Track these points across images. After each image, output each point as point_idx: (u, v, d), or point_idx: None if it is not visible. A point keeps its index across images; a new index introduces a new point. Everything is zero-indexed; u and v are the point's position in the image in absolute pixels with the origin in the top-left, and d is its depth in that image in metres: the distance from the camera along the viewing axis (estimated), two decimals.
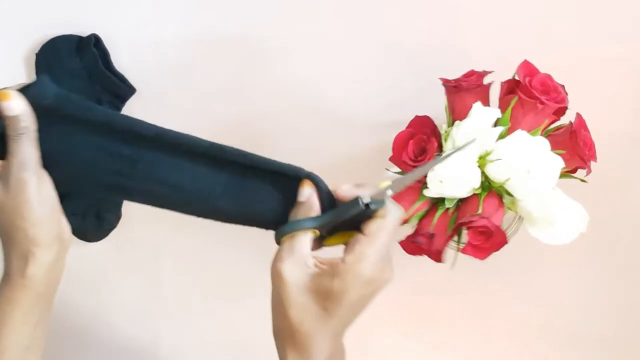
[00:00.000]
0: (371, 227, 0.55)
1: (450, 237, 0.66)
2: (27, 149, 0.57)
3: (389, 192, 0.56)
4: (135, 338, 0.94)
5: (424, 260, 0.69)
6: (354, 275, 0.54)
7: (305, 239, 0.56)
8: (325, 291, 0.54)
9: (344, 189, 0.57)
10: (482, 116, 0.65)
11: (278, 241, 0.57)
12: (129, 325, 0.94)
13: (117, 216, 0.88)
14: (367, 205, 0.55)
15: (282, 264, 0.55)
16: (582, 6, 0.77)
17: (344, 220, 0.56)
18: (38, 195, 0.57)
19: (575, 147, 0.66)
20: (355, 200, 0.55)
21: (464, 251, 0.65)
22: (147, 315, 0.94)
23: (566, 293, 0.87)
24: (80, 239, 0.87)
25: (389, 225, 0.55)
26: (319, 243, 0.59)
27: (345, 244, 0.57)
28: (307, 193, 0.58)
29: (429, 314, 0.90)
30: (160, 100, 0.87)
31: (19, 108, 0.57)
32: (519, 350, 0.91)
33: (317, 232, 0.57)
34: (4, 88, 0.57)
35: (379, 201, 0.55)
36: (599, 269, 0.85)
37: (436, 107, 0.72)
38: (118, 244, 0.90)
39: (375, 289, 0.55)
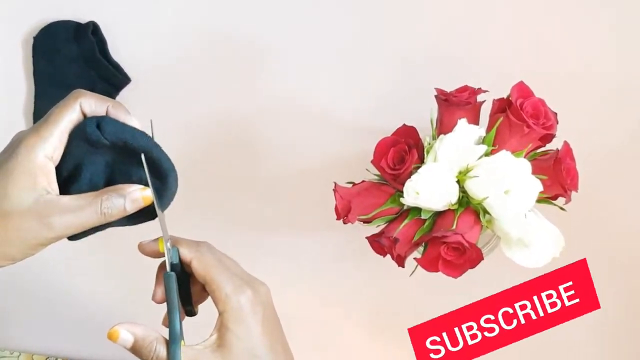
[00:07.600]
0: (198, 271, 0.56)
1: (415, 245, 0.66)
2: None
3: (169, 245, 0.56)
4: (107, 314, 0.94)
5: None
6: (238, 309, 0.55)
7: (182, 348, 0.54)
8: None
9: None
10: (466, 133, 0.66)
11: None
12: (100, 305, 0.94)
13: None
14: (174, 264, 0.56)
15: None
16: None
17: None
18: None
19: (557, 175, 0.66)
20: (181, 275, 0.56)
21: (438, 269, 0.65)
22: (118, 296, 0.94)
23: None
24: None
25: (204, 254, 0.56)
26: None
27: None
28: (127, 337, 0.54)
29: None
30: (154, 92, 0.87)
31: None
32: None
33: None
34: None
35: (173, 250, 0.56)
36: None
37: (428, 118, 0.72)
38: None
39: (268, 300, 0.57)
